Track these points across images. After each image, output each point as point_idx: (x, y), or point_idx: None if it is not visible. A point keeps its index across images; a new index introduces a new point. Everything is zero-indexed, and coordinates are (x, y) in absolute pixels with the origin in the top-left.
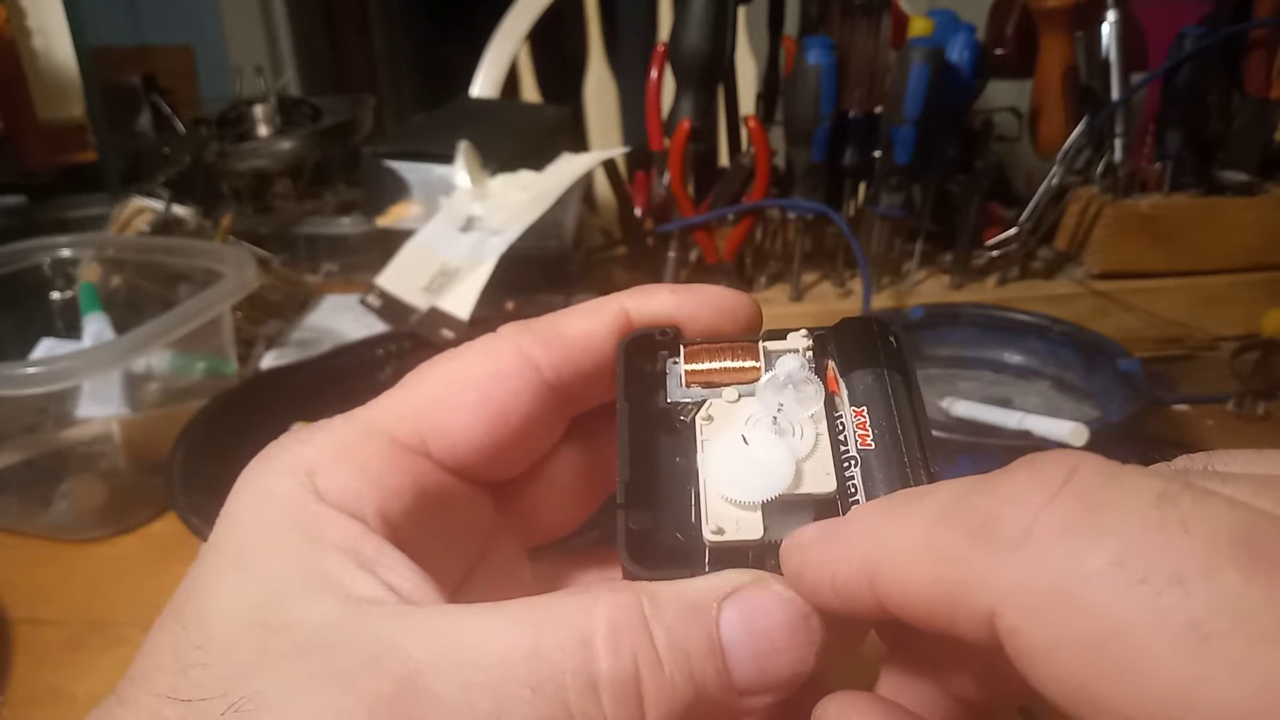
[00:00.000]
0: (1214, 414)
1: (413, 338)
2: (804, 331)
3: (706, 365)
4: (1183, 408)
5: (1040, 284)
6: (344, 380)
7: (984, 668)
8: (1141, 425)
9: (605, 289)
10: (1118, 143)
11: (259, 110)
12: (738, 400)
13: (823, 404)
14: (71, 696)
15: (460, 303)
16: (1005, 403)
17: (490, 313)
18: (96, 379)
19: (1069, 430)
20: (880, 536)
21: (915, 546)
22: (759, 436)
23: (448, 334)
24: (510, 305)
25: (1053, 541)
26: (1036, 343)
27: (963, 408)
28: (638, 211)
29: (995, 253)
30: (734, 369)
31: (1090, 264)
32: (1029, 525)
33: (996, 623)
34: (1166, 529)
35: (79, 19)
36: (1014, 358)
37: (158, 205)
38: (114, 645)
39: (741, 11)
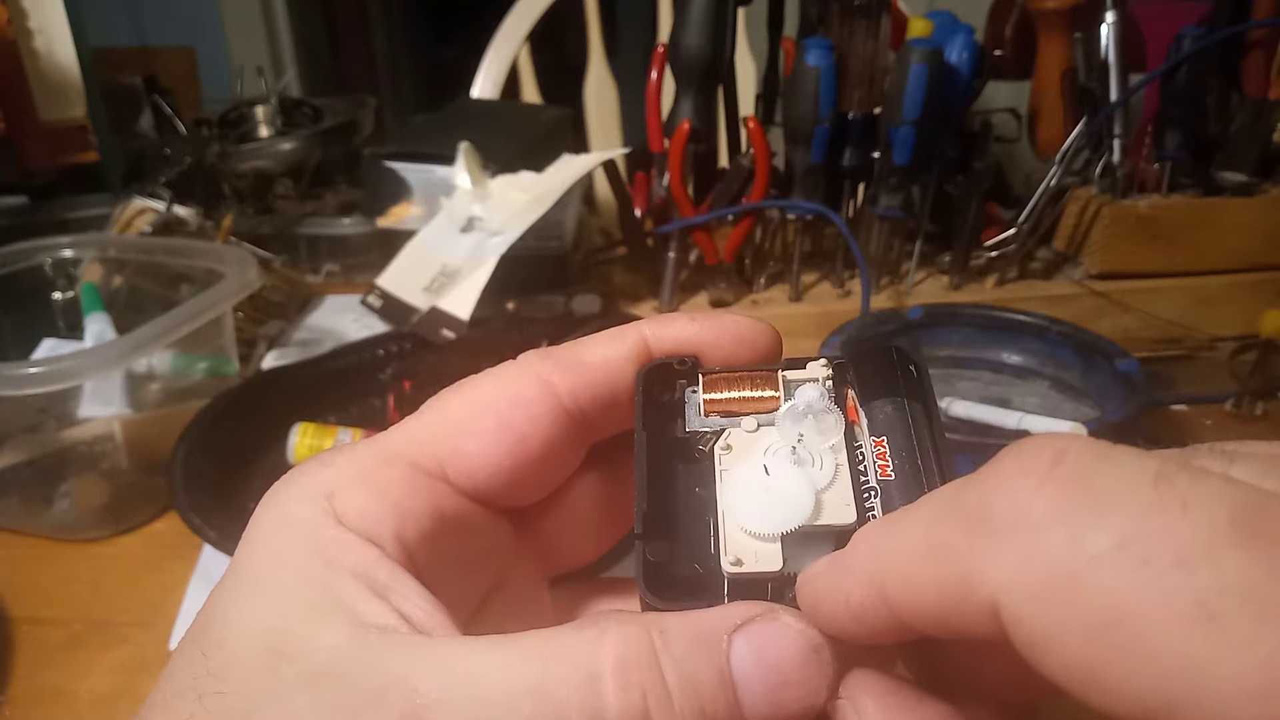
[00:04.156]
0: (1212, 414)
1: (413, 338)
2: (823, 360)
3: (725, 394)
4: (1181, 408)
5: (1039, 284)
6: (345, 380)
7: (1011, 679)
8: (1140, 425)
9: (605, 289)
10: (1116, 143)
11: (260, 111)
12: (757, 430)
13: (843, 434)
14: (73, 695)
15: (461, 303)
16: (1004, 403)
17: (490, 313)
18: (98, 379)
19: (1067, 430)
20: (883, 549)
21: (916, 550)
22: (779, 467)
23: (448, 334)
24: (510, 305)
25: (1049, 526)
26: (1035, 343)
27: (961, 408)
28: (638, 212)
29: (994, 253)
30: (753, 398)
31: (1089, 264)
32: (1023, 511)
33: (1000, 612)
34: (1166, 509)
35: (80, 20)
36: (1013, 358)
37: (159, 206)
38: (115, 644)
39: (741, 12)
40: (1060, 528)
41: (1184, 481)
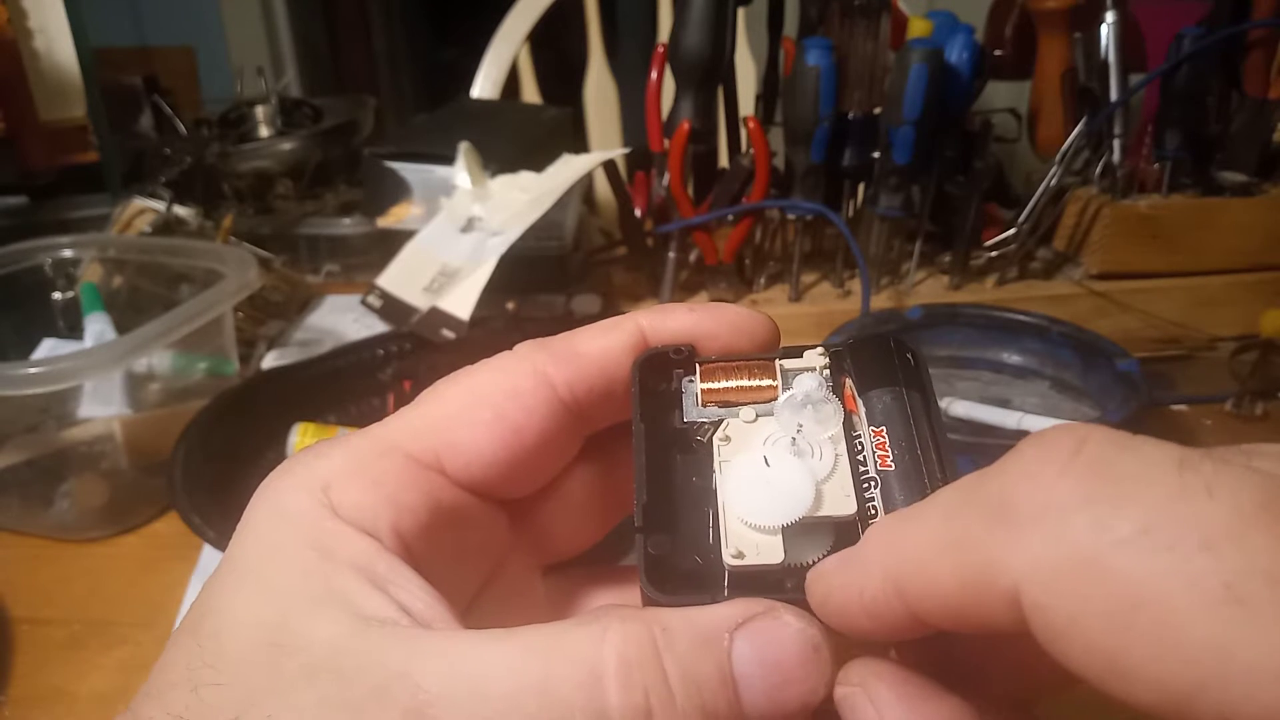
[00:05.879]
0: (1212, 414)
1: (413, 338)
2: (820, 349)
3: (723, 384)
4: (1181, 408)
5: (1039, 284)
6: (344, 381)
7: (1017, 675)
8: (1140, 425)
9: (605, 289)
10: (1116, 143)
11: (260, 111)
12: (755, 420)
13: (841, 424)
14: (73, 696)
15: (461, 303)
16: (1004, 403)
17: (490, 313)
18: (98, 379)
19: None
20: (898, 543)
21: (934, 543)
22: (779, 458)
23: (448, 334)
24: (510, 305)
25: (1073, 513)
26: (1035, 343)
27: (961, 408)
28: (638, 212)
29: (994, 253)
30: (751, 388)
31: (1089, 264)
32: (1045, 498)
33: (1021, 601)
34: (1191, 495)
35: (80, 20)
36: (1013, 358)
37: (159, 206)
38: (115, 645)
39: (741, 12)
40: (1084, 514)
41: (1208, 468)
